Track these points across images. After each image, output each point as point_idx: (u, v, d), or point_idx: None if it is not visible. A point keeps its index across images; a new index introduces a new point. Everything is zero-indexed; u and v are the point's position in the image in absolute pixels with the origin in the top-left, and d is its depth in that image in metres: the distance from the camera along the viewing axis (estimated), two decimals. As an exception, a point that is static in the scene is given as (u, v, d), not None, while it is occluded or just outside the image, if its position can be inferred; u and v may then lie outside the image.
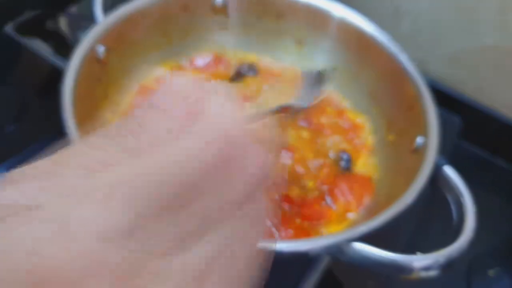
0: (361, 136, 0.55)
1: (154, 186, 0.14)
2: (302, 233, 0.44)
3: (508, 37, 0.69)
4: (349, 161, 0.52)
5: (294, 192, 0.48)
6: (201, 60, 0.60)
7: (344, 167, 0.51)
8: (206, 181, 0.15)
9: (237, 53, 0.62)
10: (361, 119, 0.57)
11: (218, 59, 0.60)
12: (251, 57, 0.62)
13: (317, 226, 0.46)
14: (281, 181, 0.18)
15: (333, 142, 0.54)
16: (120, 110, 0.52)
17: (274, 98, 0.56)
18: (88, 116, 0.44)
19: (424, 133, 0.45)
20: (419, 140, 0.46)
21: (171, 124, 0.16)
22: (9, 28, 0.65)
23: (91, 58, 0.46)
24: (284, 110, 0.38)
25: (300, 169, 0.50)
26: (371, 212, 0.45)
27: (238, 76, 0.59)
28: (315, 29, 0.58)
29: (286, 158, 0.51)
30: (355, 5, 0.79)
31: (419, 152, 0.45)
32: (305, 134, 0.54)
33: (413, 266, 0.35)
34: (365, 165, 0.53)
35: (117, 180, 0.14)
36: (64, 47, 0.74)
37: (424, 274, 0.36)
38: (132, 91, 0.54)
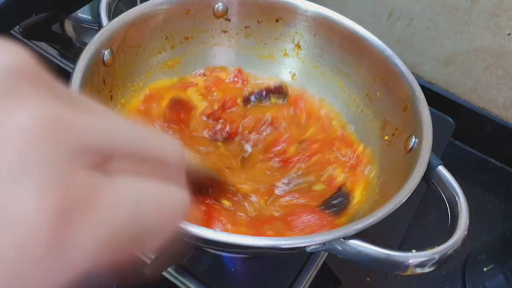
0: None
1: None
2: None
3: (501, 39, 0.69)
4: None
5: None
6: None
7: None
8: None
9: (238, 57, 0.63)
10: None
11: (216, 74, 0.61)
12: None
13: None
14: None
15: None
16: (125, 112, 0.53)
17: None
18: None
19: (418, 133, 0.46)
20: (413, 140, 0.46)
21: None
22: (16, 31, 0.65)
23: (96, 61, 0.46)
24: None
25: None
26: (367, 209, 0.46)
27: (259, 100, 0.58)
28: (313, 33, 0.60)
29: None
30: (351, 9, 0.80)
31: (413, 152, 0.46)
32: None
33: (408, 262, 0.35)
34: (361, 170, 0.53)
35: None
36: (70, 50, 0.75)
37: (419, 270, 0.36)
38: (136, 93, 0.55)
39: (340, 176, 0.51)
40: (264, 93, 0.58)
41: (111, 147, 0.16)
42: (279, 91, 0.59)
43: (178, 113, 0.54)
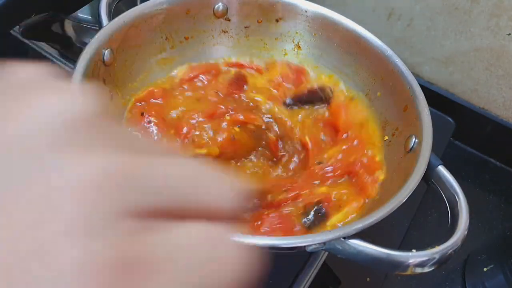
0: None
1: None
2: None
3: (501, 39, 0.69)
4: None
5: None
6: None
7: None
8: None
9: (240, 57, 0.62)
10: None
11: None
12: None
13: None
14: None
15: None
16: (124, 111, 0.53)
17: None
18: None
19: (418, 133, 0.46)
20: (413, 140, 0.46)
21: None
22: (16, 31, 0.66)
23: (96, 61, 0.46)
24: None
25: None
26: (368, 209, 0.46)
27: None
28: (313, 33, 0.60)
29: None
30: (351, 9, 0.80)
31: (413, 152, 0.46)
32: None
33: (408, 262, 0.36)
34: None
35: None
36: (69, 50, 0.75)
37: (419, 270, 0.36)
38: (136, 93, 0.55)
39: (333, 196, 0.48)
40: (304, 97, 0.56)
41: (164, 203, 0.15)
42: (315, 95, 0.56)
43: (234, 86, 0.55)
